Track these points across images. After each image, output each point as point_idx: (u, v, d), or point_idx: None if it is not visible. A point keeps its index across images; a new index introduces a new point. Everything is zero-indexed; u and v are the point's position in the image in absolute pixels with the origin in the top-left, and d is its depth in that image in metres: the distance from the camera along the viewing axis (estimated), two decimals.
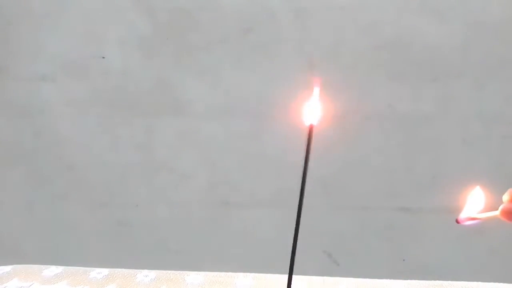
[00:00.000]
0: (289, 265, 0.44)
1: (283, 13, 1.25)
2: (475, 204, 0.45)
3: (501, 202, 0.43)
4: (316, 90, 0.44)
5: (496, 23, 1.23)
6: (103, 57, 1.28)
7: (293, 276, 0.67)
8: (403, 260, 1.31)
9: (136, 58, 1.28)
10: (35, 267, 0.69)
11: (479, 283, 0.66)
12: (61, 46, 1.28)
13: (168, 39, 1.27)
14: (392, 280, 0.67)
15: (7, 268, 0.68)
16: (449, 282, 0.67)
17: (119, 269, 0.68)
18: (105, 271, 0.68)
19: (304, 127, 0.48)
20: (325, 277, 0.68)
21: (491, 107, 1.27)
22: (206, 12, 1.25)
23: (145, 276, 0.67)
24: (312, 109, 0.43)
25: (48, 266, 0.69)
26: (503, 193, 0.42)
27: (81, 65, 1.29)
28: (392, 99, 1.27)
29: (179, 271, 0.68)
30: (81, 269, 0.69)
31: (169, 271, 0.68)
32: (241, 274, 0.67)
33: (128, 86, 1.30)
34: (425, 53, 1.25)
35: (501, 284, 0.66)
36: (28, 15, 1.27)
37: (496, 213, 0.40)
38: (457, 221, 0.44)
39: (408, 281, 0.67)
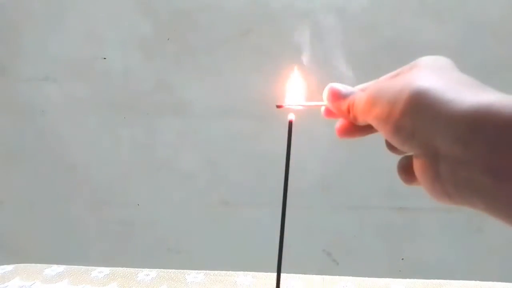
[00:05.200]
0: (277, 261, 0.44)
1: (282, 14, 1.25)
2: (296, 90, 0.45)
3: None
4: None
5: (495, 24, 1.23)
6: (105, 58, 1.29)
7: (293, 275, 0.68)
8: (402, 259, 1.31)
9: (137, 59, 1.28)
10: (37, 266, 0.69)
11: (477, 282, 0.67)
12: (63, 47, 1.29)
13: (168, 40, 1.28)
14: (391, 279, 0.68)
15: (9, 267, 0.69)
16: (448, 281, 0.68)
17: (120, 268, 0.68)
18: (106, 270, 0.68)
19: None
20: (324, 276, 0.68)
21: None
22: (206, 13, 1.26)
23: (146, 275, 0.67)
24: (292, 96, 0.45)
25: (50, 265, 0.69)
26: None
27: (83, 66, 1.29)
28: None
29: (179, 270, 0.68)
30: (83, 268, 0.69)
31: (170, 270, 0.68)
32: (241, 273, 0.68)
33: (129, 86, 1.30)
34: (424, 53, 1.25)
35: (499, 283, 0.66)
36: (30, 17, 1.28)
37: (323, 103, 0.41)
38: (277, 106, 0.45)
39: (407, 280, 0.68)
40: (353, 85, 0.41)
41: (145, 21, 1.27)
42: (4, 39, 1.29)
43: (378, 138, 0.38)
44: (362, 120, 0.37)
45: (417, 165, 0.34)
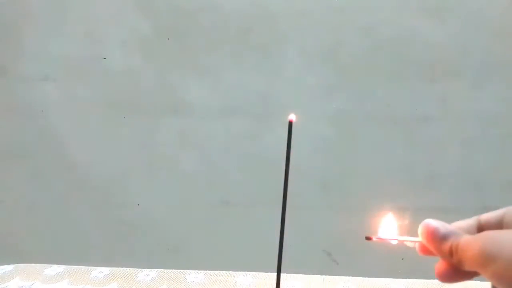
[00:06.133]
0: (277, 261, 0.44)
1: (283, 14, 1.25)
2: (388, 228, 0.43)
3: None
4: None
5: (494, 24, 1.23)
6: (105, 58, 1.29)
7: (293, 275, 0.68)
8: (402, 259, 1.31)
9: (137, 59, 1.28)
10: (37, 266, 0.69)
11: (477, 282, 0.67)
12: (63, 47, 1.29)
13: (168, 40, 1.28)
14: (391, 279, 0.68)
15: (9, 267, 0.69)
16: None
17: (120, 268, 0.69)
18: (106, 270, 0.68)
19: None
20: (324, 276, 0.68)
21: (490, 108, 1.27)
22: (207, 13, 1.26)
23: (146, 275, 0.67)
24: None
25: (50, 265, 0.69)
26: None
27: (83, 66, 1.29)
28: (391, 99, 1.28)
29: (179, 270, 0.68)
30: (83, 268, 0.69)
31: (170, 270, 0.68)
32: (241, 273, 0.68)
33: (129, 86, 1.30)
34: (424, 53, 1.25)
35: None
36: (30, 16, 1.28)
37: (417, 239, 0.39)
38: (366, 238, 0.43)
39: (407, 280, 0.68)
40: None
41: (145, 21, 1.27)
42: (4, 39, 1.29)
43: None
44: (471, 268, 0.34)
45: None
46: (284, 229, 0.45)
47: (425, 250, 0.39)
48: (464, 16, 1.23)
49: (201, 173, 1.33)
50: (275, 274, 0.47)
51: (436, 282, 0.68)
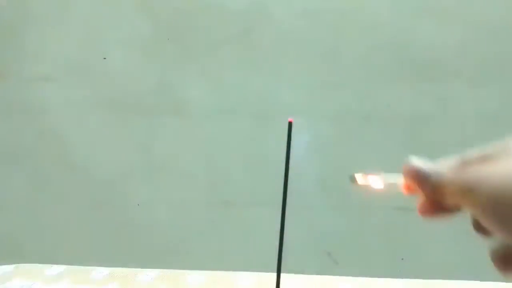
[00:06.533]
0: (277, 261, 0.45)
1: (283, 14, 1.25)
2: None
3: None
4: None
5: (494, 24, 1.23)
6: (105, 58, 1.29)
7: (293, 275, 0.68)
8: (402, 259, 1.31)
9: (137, 59, 1.28)
10: (37, 266, 0.69)
11: (477, 282, 0.67)
12: (63, 47, 1.29)
13: (168, 40, 1.28)
14: (390, 279, 0.68)
15: (10, 267, 0.69)
16: (447, 281, 0.68)
17: (120, 268, 0.69)
18: (106, 270, 0.68)
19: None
20: (324, 276, 0.68)
21: (489, 107, 1.27)
22: (207, 13, 1.26)
23: (146, 275, 0.67)
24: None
25: (50, 265, 0.70)
26: None
27: (83, 66, 1.29)
28: (391, 99, 1.28)
29: (180, 270, 0.68)
30: (83, 268, 0.69)
31: (170, 270, 0.68)
32: (241, 273, 0.68)
33: (129, 86, 1.30)
34: (423, 54, 1.25)
35: (500, 283, 0.66)
36: (31, 17, 1.28)
37: (401, 178, 0.40)
38: (351, 180, 0.45)
39: (407, 280, 0.68)
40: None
41: (145, 21, 1.27)
42: (5, 39, 1.29)
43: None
44: (453, 201, 0.35)
45: None
46: (284, 229, 0.45)
47: (410, 189, 0.40)
48: (464, 17, 1.23)
49: (201, 173, 1.33)
50: (275, 274, 0.47)
51: (436, 282, 0.68)
